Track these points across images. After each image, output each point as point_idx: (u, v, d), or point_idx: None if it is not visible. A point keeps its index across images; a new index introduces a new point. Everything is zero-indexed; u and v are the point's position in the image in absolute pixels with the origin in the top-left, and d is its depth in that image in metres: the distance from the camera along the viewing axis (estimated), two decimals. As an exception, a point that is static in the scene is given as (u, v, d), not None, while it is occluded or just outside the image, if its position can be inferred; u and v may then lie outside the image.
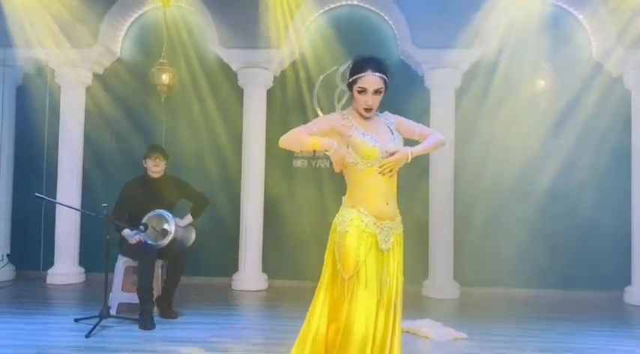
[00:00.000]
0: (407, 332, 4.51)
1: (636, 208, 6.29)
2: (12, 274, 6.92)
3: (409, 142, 2.89)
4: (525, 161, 6.65)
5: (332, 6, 7.02)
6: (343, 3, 7.03)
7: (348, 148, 2.73)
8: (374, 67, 2.73)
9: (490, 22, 6.40)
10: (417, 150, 2.82)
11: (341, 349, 2.62)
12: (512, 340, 4.48)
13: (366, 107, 2.74)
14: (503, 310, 5.78)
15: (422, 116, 6.51)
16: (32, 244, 7.01)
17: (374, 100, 2.74)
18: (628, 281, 6.32)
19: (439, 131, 6.44)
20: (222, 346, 4.14)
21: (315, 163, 7.00)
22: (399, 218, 2.84)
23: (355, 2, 7.01)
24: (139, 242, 4.83)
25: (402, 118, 2.95)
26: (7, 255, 6.83)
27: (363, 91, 2.72)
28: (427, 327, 4.56)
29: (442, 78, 6.54)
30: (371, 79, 2.71)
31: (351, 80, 2.77)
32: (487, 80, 6.69)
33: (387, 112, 2.93)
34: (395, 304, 2.74)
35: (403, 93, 6.71)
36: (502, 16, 6.45)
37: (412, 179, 6.23)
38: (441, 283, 6.39)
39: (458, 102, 6.63)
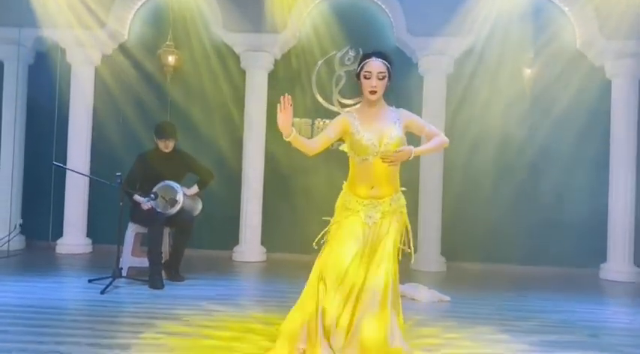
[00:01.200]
0: (395, 295, 4.95)
1: (613, 191, 6.73)
2: (22, 244, 7.26)
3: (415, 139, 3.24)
4: (510, 144, 7.09)
5: (332, -7, 7.36)
6: (343, -9, 7.38)
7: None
8: (377, 54, 3.15)
9: (480, 11, 6.79)
10: (420, 150, 3.15)
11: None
12: (491, 303, 4.93)
13: (371, 90, 3.10)
14: (486, 281, 6.20)
15: (415, 100, 6.94)
16: (41, 216, 7.36)
17: (378, 84, 3.10)
18: (604, 259, 6.77)
19: (431, 115, 6.86)
20: (226, 301, 4.57)
21: (314, 143, 7.36)
22: (390, 197, 3.17)
23: (354, -10, 7.36)
24: (150, 209, 5.19)
25: (416, 117, 3.27)
26: (20, 225, 7.19)
27: (368, 75, 3.09)
28: (413, 290, 4.98)
29: (434, 64, 6.92)
30: (375, 64, 3.10)
31: (358, 69, 3.16)
32: (476, 67, 7.09)
33: (403, 109, 3.27)
34: (383, 266, 3.05)
35: (398, 78, 6.96)
36: (492, 6, 6.85)
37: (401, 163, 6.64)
38: (429, 257, 6.81)
39: (449, 86, 7.03)
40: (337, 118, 3.26)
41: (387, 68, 3.12)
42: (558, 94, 7.03)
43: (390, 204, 3.16)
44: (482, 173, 7.09)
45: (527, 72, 6.72)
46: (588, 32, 6.78)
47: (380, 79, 3.09)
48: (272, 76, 7.23)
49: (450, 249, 6.97)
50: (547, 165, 7.07)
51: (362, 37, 7.25)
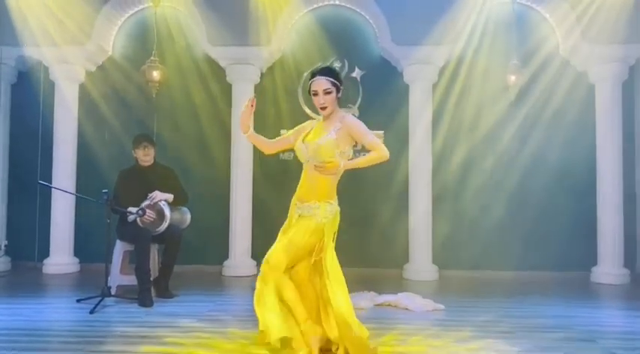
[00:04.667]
0: (389, 305, 4.94)
1: (601, 195, 6.76)
2: (8, 265, 7.14)
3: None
4: (498, 150, 7.13)
5: (316, 5, 7.37)
6: (327, 3, 7.38)
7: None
8: (321, 72, 3.28)
9: (464, 19, 6.85)
10: (351, 163, 3.22)
11: None
12: (485, 310, 4.88)
13: (320, 106, 3.27)
14: (480, 288, 6.17)
15: (402, 109, 6.98)
16: (27, 236, 7.25)
17: (326, 100, 3.25)
18: (594, 262, 6.79)
19: (417, 123, 6.87)
20: (217, 318, 4.48)
21: (300, 156, 7.35)
22: (310, 203, 3.28)
23: (338, 2, 7.36)
24: (136, 226, 5.10)
25: (357, 126, 3.25)
26: (6, 245, 7.07)
27: (315, 93, 3.25)
28: (407, 299, 4.94)
29: (419, 73, 6.94)
30: (319, 82, 3.26)
31: (309, 89, 3.31)
32: (462, 75, 7.14)
33: (350, 115, 3.33)
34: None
35: (383, 88, 7.11)
36: (476, 14, 6.92)
37: (388, 173, 6.71)
38: (421, 266, 6.79)
39: (435, 95, 7.06)
40: (301, 125, 3.48)
41: (333, 83, 3.23)
42: (544, 100, 7.10)
43: (309, 210, 3.27)
44: (470, 181, 7.12)
45: (512, 79, 6.74)
46: (571, 38, 6.84)
47: (327, 93, 3.22)
48: (258, 89, 7.21)
49: (442, 257, 6.96)
50: (535, 171, 7.10)
51: (347, 48, 7.24)
